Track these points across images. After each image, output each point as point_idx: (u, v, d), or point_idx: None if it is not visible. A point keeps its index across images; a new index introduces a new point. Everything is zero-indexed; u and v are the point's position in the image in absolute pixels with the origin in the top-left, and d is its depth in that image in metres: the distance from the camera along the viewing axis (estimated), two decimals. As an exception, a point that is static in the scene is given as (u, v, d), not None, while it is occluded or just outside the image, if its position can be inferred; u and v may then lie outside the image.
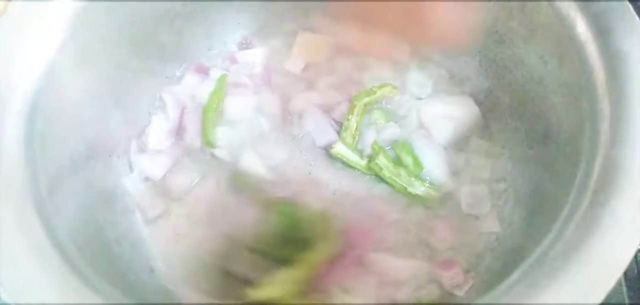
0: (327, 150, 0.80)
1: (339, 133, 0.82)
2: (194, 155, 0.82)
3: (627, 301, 0.70)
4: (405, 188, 0.76)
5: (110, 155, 0.79)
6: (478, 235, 0.74)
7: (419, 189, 0.76)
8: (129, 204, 0.79)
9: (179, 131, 0.83)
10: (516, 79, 0.78)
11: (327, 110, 0.84)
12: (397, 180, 0.76)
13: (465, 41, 0.79)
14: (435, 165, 0.78)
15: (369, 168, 0.78)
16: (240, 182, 0.79)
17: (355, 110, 0.81)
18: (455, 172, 0.79)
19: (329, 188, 0.79)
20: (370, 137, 0.80)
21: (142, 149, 0.82)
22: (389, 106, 0.85)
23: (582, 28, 0.64)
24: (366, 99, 0.82)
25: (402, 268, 0.71)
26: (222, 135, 0.82)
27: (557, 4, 0.66)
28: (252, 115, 0.84)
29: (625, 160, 0.55)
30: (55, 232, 0.57)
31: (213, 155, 0.82)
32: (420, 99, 0.85)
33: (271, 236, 0.73)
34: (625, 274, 0.71)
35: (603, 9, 0.63)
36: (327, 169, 0.80)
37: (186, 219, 0.78)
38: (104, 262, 0.67)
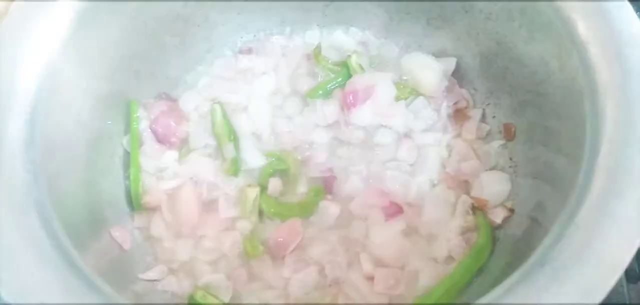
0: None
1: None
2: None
3: (627, 301, 0.70)
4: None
5: (111, 156, 0.79)
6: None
7: None
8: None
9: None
10: (516, 80, 0.78)
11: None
12: None
13: None
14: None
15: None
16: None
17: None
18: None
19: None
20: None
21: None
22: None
23: (582, 29, 0.64)
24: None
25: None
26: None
27: (558, 4, 0.66)
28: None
29: (625, 160, 0.55)
30: (55, 232, 0.57)
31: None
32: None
33: None
34: (626, 273, 0.71)
35: (603, 10, 0.63)
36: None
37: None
38: (104, 262, 0.67)
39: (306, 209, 0.77)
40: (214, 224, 0.77)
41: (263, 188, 0.79)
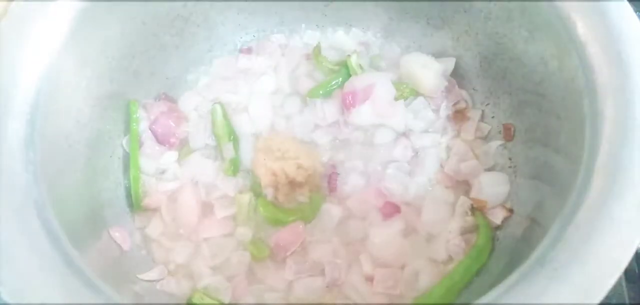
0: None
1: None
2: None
3: (627, 301, 0.70)
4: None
5: (110, 156, 0.79)
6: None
7: None
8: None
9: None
10: (516, 80, 0.78)
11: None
12: None
13: None
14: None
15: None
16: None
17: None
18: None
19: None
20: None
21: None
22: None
23: (582, 29, 0.64)
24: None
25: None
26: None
27: (557, 4, 0.66)
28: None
29: (625, 160, 0.55)
30: (55, 232, 0.57)
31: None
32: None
33: None
34: (626, 273, 0.71)
35: (603, 10, 0.63)
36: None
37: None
38: (104, 262, 0.67)
39: (306, 215, 0.77)
40: (214, 227, 0.77)
41: (258, 194, 0.79)
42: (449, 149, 0.81)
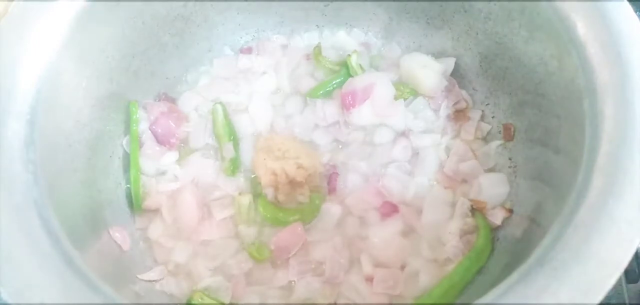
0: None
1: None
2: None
3: (627, 301, 0.70)
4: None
5: (110, 156, 0.79)
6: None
7: None
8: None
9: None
10: (516, 80, 0.78)
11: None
12: None
13: None
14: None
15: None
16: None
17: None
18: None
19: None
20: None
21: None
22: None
23: (582, 29, 0.64)
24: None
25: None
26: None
27: (557, 4, 0.66)
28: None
29: (624, 160, 0.55)
30: (55, 232, 0.57)
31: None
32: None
33: None
34: (626, 273, 0.71)
35: (603, 10, 0.63)
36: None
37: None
38: (104, 262, 0.67)
39: (306, 215, 0.77)
40: (214, 228, 0.77)
41: (257, 194, 0.79)
42: (448, 149, 0.81)
